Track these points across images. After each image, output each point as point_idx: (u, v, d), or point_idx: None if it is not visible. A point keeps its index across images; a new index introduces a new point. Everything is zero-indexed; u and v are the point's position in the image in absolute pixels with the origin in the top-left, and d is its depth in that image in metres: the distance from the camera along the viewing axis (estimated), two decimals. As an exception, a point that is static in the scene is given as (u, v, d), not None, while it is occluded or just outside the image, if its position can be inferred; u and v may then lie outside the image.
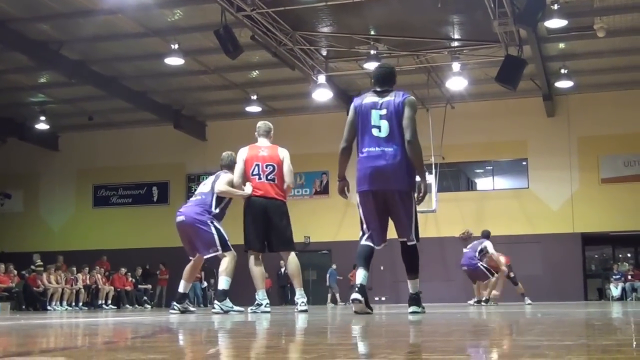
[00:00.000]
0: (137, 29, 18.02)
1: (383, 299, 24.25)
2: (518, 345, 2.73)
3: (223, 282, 8.90)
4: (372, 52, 18.68)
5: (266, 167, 8.86)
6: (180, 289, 9.38)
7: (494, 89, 20.67)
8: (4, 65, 20.12)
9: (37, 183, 27.31)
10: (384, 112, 6.72)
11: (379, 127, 6.71)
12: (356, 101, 6.92)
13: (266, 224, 8.70)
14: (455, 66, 19.59)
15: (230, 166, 9.24)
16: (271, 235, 8.75)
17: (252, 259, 8.78)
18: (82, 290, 22.02)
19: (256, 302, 8.85)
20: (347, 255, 24.60)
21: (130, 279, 23.97)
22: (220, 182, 9.07)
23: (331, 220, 25.00)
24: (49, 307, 20.45)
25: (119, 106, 23.71)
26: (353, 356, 2.34)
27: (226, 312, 8.60)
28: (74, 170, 27.06)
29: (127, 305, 22.86)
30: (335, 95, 21.39)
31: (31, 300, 20.64)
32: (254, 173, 8.77)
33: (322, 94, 20.50)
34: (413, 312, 6.79)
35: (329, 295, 24.23)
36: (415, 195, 6.77)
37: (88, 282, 22.41)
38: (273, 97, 23.78)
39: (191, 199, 9.48)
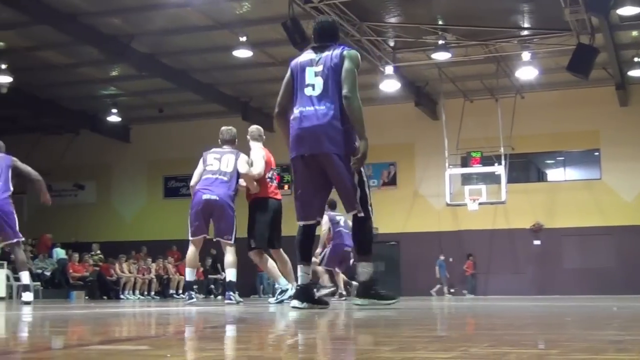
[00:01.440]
0: (206, 21, 18.19)
1: (463, 291, 24.05)
2: (600, 340, 2.68)
3: (234, 274, 9.11)
4: (440, 42, 18.52)
5: (276, 172, 9.45)
6: (188, 278, 9.44)
7: (565, 78, 20.30)
8: (76, 58, 20.53)
9: (109, 174, 27.83)
10: (319, 68, 5.96)
11: (312, 85, 5.95)
12: (293, 61, 6.18)
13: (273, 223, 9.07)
14: (525, 55, 19.30)
15: (232, 141, 9.18)
16: (272, 233, 9.09)
17: (265, 257, 9.14)
18: (154, 279, 22.42)
19: (279, 290, 9.04)
20: (415, 246, 24.56)
21: (200, 268, 24.27)
22: (242, 163, 9.02)
23: (399, 211, 24.90)
24: (121, 296, 20.87)
25: (188, 98, 24.00)
26: (432, 348, 2.33)
27: (238, 303, 8.74)
28: (145, 161, 27.49)
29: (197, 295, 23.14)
30: (403, 86, 21.28)
31: (104, 289, 21.09)
32: (270, 177, 9.17)
33: (390, 85, 20.42)
34: (359, 306, 5.88)
35: (437, 287, 23.82)
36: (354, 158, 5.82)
37: (160, 271, 22.81)
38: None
39: (211, 177, 9.07)
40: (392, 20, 18.42)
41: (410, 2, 17.07)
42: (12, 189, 9.41)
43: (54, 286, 21.07)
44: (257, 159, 8.90)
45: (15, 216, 9.31)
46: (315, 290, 6.30)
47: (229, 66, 21.46)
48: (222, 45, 19.47)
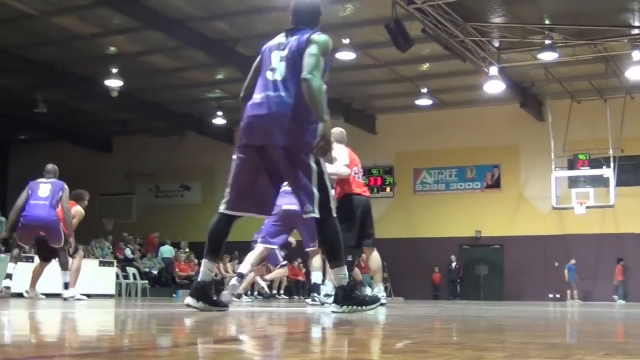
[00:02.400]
0: (310, 24, 18.28)
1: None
2: None
3: (319, 277, 9.37)
4: (547, 41, 18.13)
5: (360, 168, 9.22)
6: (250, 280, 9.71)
7: (679, 78, 19.58)
8: (183, 62, 21.01)
9: (215, 175, 28.31)
10: (285, 52, 5.35)
11: (274, 70, 5.33)
12: (264, 45, 5.60)
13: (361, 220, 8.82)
14: (636, 55, 18.69)
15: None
16: (361, 231, 8.80)
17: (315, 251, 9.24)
18: (258, 279, 22.68)
19: (325, 292, 9.11)
20: (520, 250, 24.12)
21: (303, 269, 24.47)
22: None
23: (503, 214, 24.53)
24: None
25: (292, 101, 24.20)
26: (546, 356, 2.28)
27: (322, 304, 8.84)
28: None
29: (300, 297, 23.35)
30: (508, 87, 20.93)
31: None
32: (355, 172, 8.98)
33: (494, 86, 20.11)
34: (339, 313, 5.19)
35: (568, 292, 23.30)
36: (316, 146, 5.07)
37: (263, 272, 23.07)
38: (444, 90, 23.56)
39: (287, 187, 9.16)
40: (497, 20, 18.14)
41: (516, 2, 16.78)
42: (58, 210, 10.75)
43: (161, 284, 21.63)
44: (343, 157, 8.82)
45: (61, 229, 10.69)
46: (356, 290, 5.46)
47: (331, 68, 21.49)
48: (325, 48, 19.54)
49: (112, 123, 26.89)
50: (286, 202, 8.39)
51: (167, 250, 23.18)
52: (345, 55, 18.90)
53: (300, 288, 24.23)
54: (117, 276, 19.26)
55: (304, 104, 5.17)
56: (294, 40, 5.38)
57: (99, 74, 21.27)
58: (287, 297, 22.94)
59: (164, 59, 20.83)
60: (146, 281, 20.66)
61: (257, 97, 5.31)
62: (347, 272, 5.29)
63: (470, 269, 25.26)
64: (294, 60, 5.28)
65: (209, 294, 5.41)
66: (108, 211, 27.95)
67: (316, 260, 9.44)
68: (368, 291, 9.06)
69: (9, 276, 11.18)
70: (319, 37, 5.38)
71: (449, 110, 25.11)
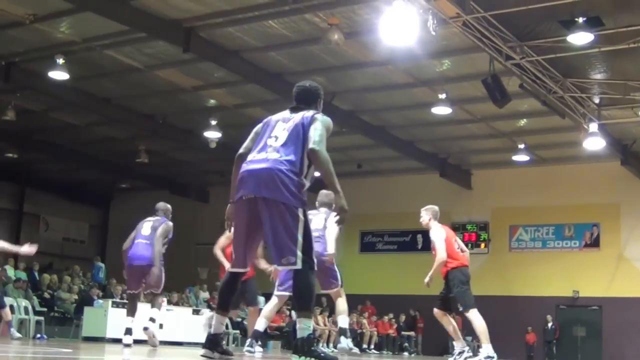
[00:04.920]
0: (406, 79, 18.39)
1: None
2: None
3: (346, 320, 9.69)
4: (650, 98, 17.71)
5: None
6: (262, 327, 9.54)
7: None
8: (281, 115, 21.32)
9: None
10: (289, 125, 5.79)
11: (276, 137, 5.78)
12: (269, 117, 6.10)
13: None
14: None
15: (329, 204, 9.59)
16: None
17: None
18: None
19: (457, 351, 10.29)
20: (620, 312, 23.30)
21: (394, 325, 24.25)
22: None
23: (602, 274, 23.83)
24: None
25: (387, 154, 24.27)
26: None
27: (350, 349, 9.00)
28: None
29: (388, 352, 23.09)
30: (608, 144, 20.46)
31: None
32: (458, 248, 10.54)
33: (594, 143, 19.66)
34: None
35: None
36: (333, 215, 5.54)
37: (355, 326, 22.95)
38: (542, 146, 23.20)
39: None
40: (598, 76, 17.83)
41: (618, 58, 16.46)
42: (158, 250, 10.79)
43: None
44: (439, 241, 10.17)
45: (159, 274, 10.79)
46: None
47: (427, 123, 21.53)
48: (422, 102, 19.59)
49: (210, 173, 27.43)
50: None
51: (261, 301, 23.27)
52: (442, 110, 18.86)
53: (390, 343, 23.96)
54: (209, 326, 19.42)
55: (299, 168, 5.62)
56: (298, 116, 5.84)
57: (198, 126, 21.81)
58: (377, 352, 22.72)
59: (262, 112, 21.12)
60: (237, 331, 20.77)
61: (255, 156, 5.78)
62: (312, 325, 5.61)
63: (567, 330, 24.52)
64: (297, 133, 5.72)
65: (221, 345, 5.91)
66: (203, 260, 28.35)
67: (341, 303, 9.76)
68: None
69: (129, 331, 10.85)
70: (323, 116, 5.85)
71: (547, 166, 24.69)
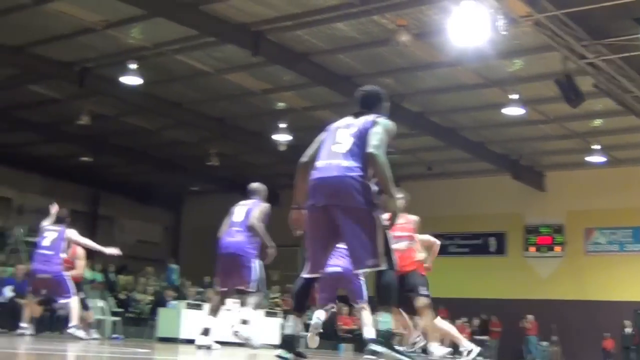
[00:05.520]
0: (477, 80, 18.16)
1: None
2: None
3: (372, 332, 8.97)
4: None
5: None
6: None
7: None
8: (350, 118, 21.29)
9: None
10: (352, 130, 5.89)
11: (340, 143, 5.88)
12: (331, 124, 6.21)
13: None
14: None
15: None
16: None
17: None
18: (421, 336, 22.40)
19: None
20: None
21: (467, 329, 23.95)
22: None
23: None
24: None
25: (457, 156, 24.02)
26: None
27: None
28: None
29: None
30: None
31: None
32: None
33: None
34: (376, 353, 5.67)
35: None
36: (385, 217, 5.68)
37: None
38: (617, 147, 22.63)
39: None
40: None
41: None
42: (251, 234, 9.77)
43: (323, 337, 21.66)
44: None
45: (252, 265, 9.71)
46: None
47: (498, 124, 21.23)
48: (492, 103, 19.33)
49: (279, 176, 27.50)
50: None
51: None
52: (513, 111, 18.59)
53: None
54: (282, 327, 19.51)
55: (364, 173, 5.70)
56: (360, 121, 5.94)
57: (267, 129, 21.92)
58: (450, 357, 22.47)
59: (330, 114, 21.10)
60: (309, 333, 20.76)
61: (321, 163, 5.85)
62: (391, 321, 5.77)
63: (646, 335, 23.91)
64: (359, 139, 5.80)
65: (296, 346, 5.98)
66: (274, 262, 28.48)
67: (366, 316, 9.87)
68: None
69: (206, 332, 10.08)
70: (385, 120, 5.95)
71: (623, 168, 24.08)
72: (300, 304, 6.05)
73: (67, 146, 25.44)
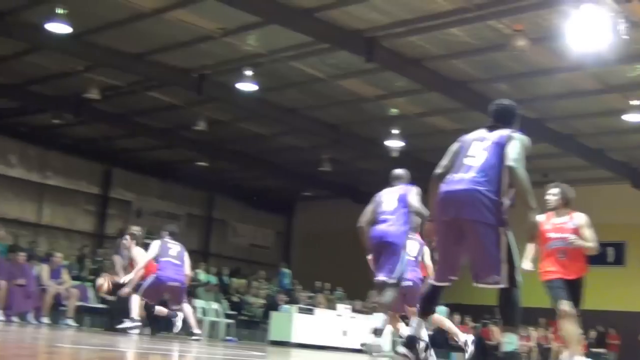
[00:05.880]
0: (596, 85, 17.65)
1: None
2: None
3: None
4: None
5: None
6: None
7: None
8: (464, 124, 20.85)
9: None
10: (486, 144, 5.94)
11: (474, 157, 5.92)
12: (464, 136, 6.28)
13: None
14: None
15: None
16: None
17: None
18: (536, 348, 22.03)
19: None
20: None
21: (584, 341, 23.34)
22: None
23: None
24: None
25: (574, 164, 23.40)
26: None
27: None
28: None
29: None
30: None
31: (483, 353, 21.03)
32: None
33: None
34: None
35: None
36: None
37: (541, 340, 22.35)
38: None
39: None
40: None
41: None
42: (408, 225, 9.15)
43: (434, 345, 21.46)
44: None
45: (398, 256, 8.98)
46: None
47: (618, 130, 20.57)
48: (612, 109, 18.74)
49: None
50: None
51: (442, 311, 23.05)
52: (633, 117, 17.98)
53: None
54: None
55: (497, 187, 5.75)
56: (495, 135, 5.99)
57: (380, 135, 21.89)
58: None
59: (444, 120, 21.02)
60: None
61: (454, 176, 5.94)
62: (516, 340, 5.80)
63: None
64: (494, 153, 5.86)
65: (416, 348, 6.23)
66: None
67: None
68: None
69: (378, 332, 9.16)
70: (521, 135, 6.01)
71: None
72: (426, 309, 6.28)
73: (184, 151, 26.08)
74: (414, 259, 10.00)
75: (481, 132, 6.16)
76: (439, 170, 6.20)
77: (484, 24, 14.94)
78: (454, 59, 16.97)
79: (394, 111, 20.98)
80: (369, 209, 9.49)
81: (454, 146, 6.28)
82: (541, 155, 23.12)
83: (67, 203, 26.41)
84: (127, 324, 13.00)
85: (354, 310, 20.76)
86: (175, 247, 13.45)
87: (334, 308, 20.50)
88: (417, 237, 9.99)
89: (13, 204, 24.91)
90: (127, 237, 14.27)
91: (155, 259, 13.23)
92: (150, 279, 13.16)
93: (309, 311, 19.24)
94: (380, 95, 19.69)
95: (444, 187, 5.96)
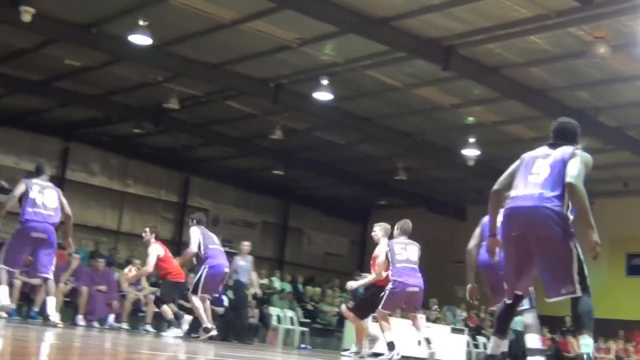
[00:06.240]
0: (682, 92, 17.22)
1: None
2: None
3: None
4: None
5: None
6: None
7: None
8: (542, 132, 20.52)
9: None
10: (549, 161, 6.04)
11: (538, 174, 6.01)
12: (526, 153, 6.40)
13: None
14: None
15: None
16: None
17: None
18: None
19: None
20: None
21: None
22: None
23: None
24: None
25: (656, 173, 22.90)
26: None
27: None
28: (607, 236, 26.51)
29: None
30: None
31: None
32: None
33: None
34: None
35: None
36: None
37: (620, 353, 21.84)
38: None
39: None
40: None
41: None
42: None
43: (511, 358, 21.19)
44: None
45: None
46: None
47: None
48: None
49: (467, 191, 27.23)
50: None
51: (518, 322, 22.71)
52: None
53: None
54: (468, 344, 19.26)
55: (561, 203, 5.81)
56: (558, 152, 6.09)
57: (456, 143, 21.75)
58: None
59: (522, 129, 20.75)
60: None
61: (519, 192, 6.03)
62: (591, 344, 5.81)
63: None
64: (557, 169, 5.93)
65: None
66: (460, 278, 28.12)
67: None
68: None
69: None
70: (583, 152, 6.12)
71: None
72: (502, 327, 6.36)
73: (260, 160, 26.33)
74: (415, 264, 11.35)
75: (544, 149, 6.27)
76: (497, 186, 6.39)
77: (564, 31, 14.72)
78: (532, 66, 16.76)
79: (470, 119, 20.82)
80: (476, 233, 8.96)
81: (514, 164, 6.42)
82: (621, 164, 22.64)
83: (146, 211, 26.93)
84: (202, 335, 12.95)
85: (429, 320, 20.62)
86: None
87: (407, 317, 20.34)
88: None
89: (95, 211, 25.53)
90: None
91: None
92: (204, 273, 12.94)
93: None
94: (457, 104, 19.56)
95: (509, 203, 6.08)
